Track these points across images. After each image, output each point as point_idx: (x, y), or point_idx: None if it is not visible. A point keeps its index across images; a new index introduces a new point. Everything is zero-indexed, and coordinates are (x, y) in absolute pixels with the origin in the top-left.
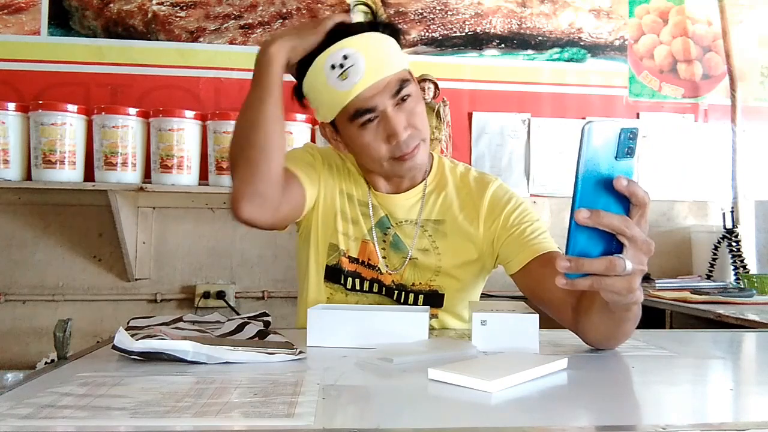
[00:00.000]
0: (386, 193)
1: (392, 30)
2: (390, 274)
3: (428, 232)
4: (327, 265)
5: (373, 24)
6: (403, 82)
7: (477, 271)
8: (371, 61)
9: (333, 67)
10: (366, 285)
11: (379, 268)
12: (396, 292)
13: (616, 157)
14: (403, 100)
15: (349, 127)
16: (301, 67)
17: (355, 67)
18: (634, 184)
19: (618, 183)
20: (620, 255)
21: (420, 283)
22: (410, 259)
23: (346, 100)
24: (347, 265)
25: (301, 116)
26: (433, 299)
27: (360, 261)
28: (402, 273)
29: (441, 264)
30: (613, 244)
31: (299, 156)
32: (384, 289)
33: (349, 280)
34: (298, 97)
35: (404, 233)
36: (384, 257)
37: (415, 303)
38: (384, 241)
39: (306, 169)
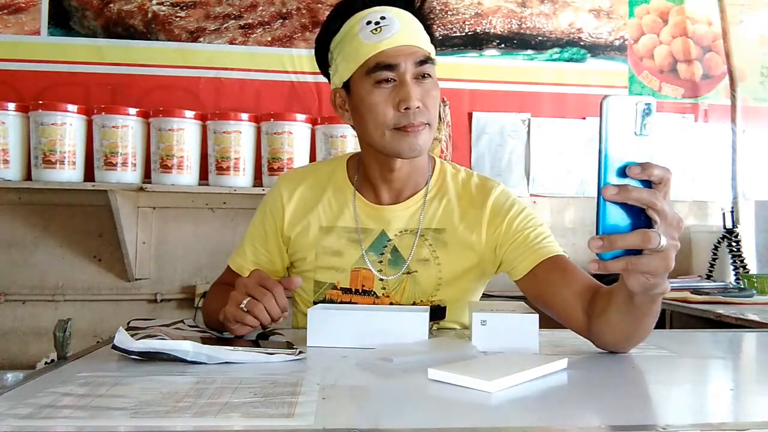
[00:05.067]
0: (387, 204)
1: (427, 24)
2: (387, 296)
3: (428, 241)
4: (314, 301)
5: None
6: (428, 59)
7: (477, 276)
8: (406, 28)
9: (369, 23)
10: None
11: (374, 293)
12: None
13: (635, 133)
14: (423, 77)
15: (364, 84)
16: (336, 24)
17: (389, 27)
18: (648, 166)
19: (631, 172)
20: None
21: (422, 300)
22: (409, 273)
23: (372, 51)
24: (340, 297)
25: (301, 116)
26: (436, 313)
27: (354, 290)
28: (401, 293)
29: (441, 275)
30: (641, 221)
31: (250, 240)
32: None
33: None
34: (320, 56)
35: (404, 243)
36: (382, 279)
37: None
38: (380, 262)
39: (259, 255)
